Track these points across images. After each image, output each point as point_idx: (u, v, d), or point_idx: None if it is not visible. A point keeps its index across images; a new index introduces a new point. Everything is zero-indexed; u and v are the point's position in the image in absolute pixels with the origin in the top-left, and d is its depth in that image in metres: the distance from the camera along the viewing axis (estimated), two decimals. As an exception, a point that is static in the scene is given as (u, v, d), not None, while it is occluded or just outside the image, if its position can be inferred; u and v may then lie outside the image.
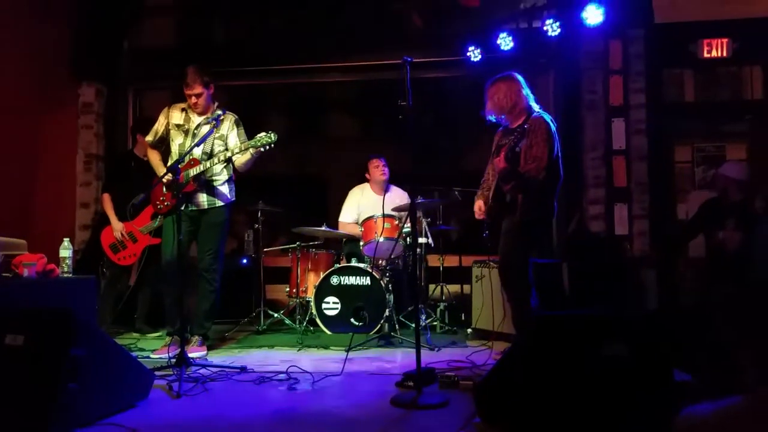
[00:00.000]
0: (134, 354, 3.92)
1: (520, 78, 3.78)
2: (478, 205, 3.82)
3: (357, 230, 5.20)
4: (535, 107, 3.74)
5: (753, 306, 3.38)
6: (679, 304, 4.45)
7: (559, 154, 3.67)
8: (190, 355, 3.66)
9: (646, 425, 2.18)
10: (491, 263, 4.52)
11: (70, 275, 3.77)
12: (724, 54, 5.61)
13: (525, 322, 3.52)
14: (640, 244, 5.40)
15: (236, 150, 3.89)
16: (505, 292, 3.78)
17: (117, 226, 4.80)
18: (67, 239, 3.83)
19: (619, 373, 2.26)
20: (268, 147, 3.80)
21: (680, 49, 5.68)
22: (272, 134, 3.78)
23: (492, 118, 3.80)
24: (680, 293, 4.48)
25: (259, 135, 3.81)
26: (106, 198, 4.93)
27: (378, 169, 5.43)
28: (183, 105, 4.06)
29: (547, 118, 3.67)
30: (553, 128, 3.65)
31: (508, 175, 3.49)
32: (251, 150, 3.83)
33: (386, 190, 5.42)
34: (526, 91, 3.76)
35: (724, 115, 6.03)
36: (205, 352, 3.99)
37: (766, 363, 2.76)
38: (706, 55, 5.64)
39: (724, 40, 5.58)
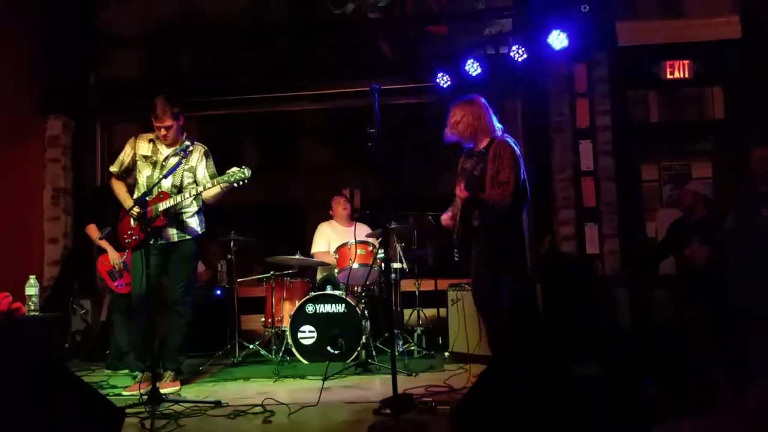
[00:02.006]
0: (105, 391, 3.83)
1: (482, 101, 3.80)
2: (448, 215, 3.82)
3: (331, 258, 5.18)
4: (498, 130, 3.76)
5: (723, 324, 3.44)
6: (651, 321, 4.50)
7: (525, 177, 3.71)
8: (163, 390, 3.58)
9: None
10: (466, 286, 4.53)
11: (38, 313, 3.68)
12: (686, 75, 5.78)
13: (499, 344, 3.52)
14: (611, 263, 5.47)
15: (208, 185, 3.83)
16: (480, 316, 3.79)
17: (114, 256, 4.63)
18: (33, 277, 3.76)
19: (593, 392, 2.27)
20: (241, 183, 3.76)
21: (644, 71, 5.85)
22: (246, 169, 3.74)
23: (453, 139, 3.82)
24: (652, 311, 4.52)
25: (231, 170, 3.76)
26: (93, 228, 4.80)
27: (340, 205, 5.62)
28: (150, 135, 4.02)
29: (511, 141, 3.71)
30: (518, 151, 3.69)
31: (471, 203, 3.52)
32: (222, 185, 3.79)
33: (354, 222, 5.46)
34: (489, 114, 3.77)
35: (688, 134, 6.20)
36: (178, 387, 3.90)
37: (735, 379, 2.80)
38: (669, 76, 5.80)
39: (686, 62, 5.76)
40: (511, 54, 5.37)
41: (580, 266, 5.40)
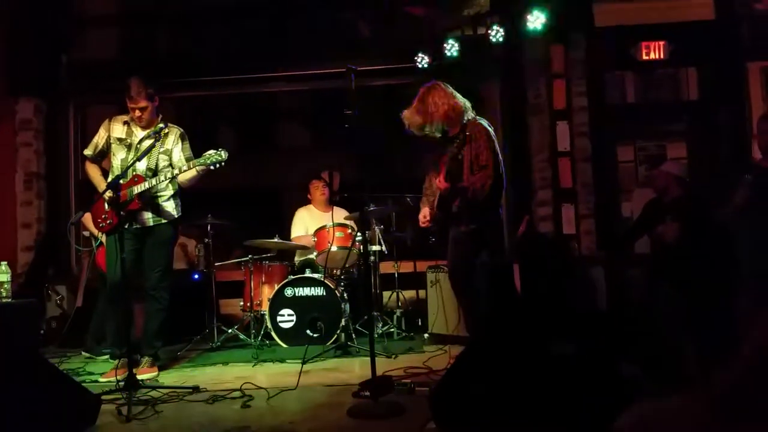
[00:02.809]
0: (82, 378, 3.80)
1: (446, 85, 3.75)
2: (423, 214, 3.80)
3: (310, 241, 5.17)
4: (470, 111, 3.73)
5: (693, 300, 3.50)
6: (626, 300, 4.57)
7: (500, 159, 3.71)
8: (141, 376, 3.56)
9: (595, 422, 2.23)
10: (444, 268, 4.55)
11: (10, 300, 3.62)
12: (662, 56, 5.81)
13: (476, 325, 3.56)
14: (588, 243, 5.53)
15: (183, 167, 3.77)
16: (456, 299, 3.81)
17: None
18: (5, 263, 3.69)
19: (568, 371, 2.30)
20: (217, 165, 3.71)
21: (620, 52, 5.86)
22: (222, 152, 3.67)
23: (415, 131, 3.72)
24: (627, 290, 4.60)
25: (208, 152, 3.69)
26: (88, 218, 4.72)
27: (318, 190, 5.58)
28: (125, 118, 3.95)
29: (485, 123, 3.70)
30: (492, 132, 3.68)
31: (452, 193, 3.51)
32: (198, 168, 3.73)
33: (331, 207, 5.44)
34: (457, 97, 3.71)
35: (663, 115, 6.25)
36: (156, 373, 3.87)
37: (706, 356, 2.86)
38: (644, 57, 5.83)
39: (661, 43, 5.79)
40: (489, 35, 5.36)
41: (556, 246, 5.45)
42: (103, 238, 4.49)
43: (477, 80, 6.08)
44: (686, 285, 3.66)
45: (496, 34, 5.33)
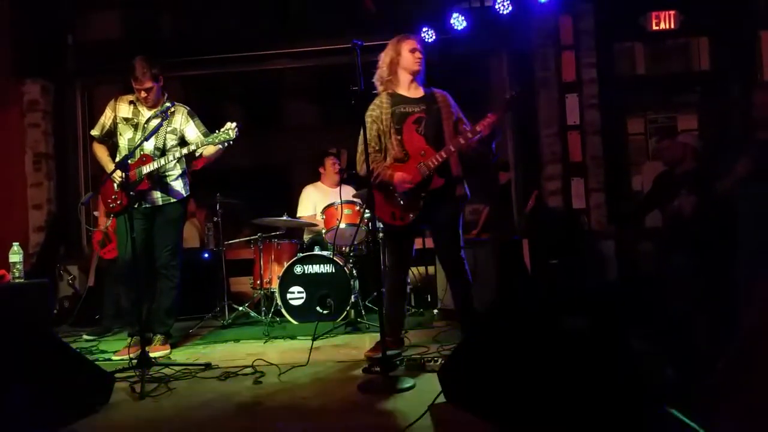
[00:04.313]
0: (95, 356, 3.85)
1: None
2: (402, 177, 3.28)
3: (317, 221, 5.18)
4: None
5: (707, 273, 3.47)
6: (638, 274, 4.55)
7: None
8: (153, 354, 3.60)
9: (606, 396, 2.23)
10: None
11: (22, 280, 3.66)
12: (672, 26, 5.70)
13: (468, 299, 3.46)
14: (598, 217, 5.50)
15: (200, 143, 3.77)
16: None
17: (102, 221, 4.80)
18: (17, 244, 3.72)
19: (580, 346, 2.29)
20: (228, 143, 3.70)
21: (630, 22, 5.76)
22: (231, 131, 3.65)
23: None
24: (639, 264, 4.57)
25: (227, 125, 3.67)
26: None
27: (335, 167, 5.57)
28: (131, 97, 3.93)
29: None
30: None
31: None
32: (218, 141, 3.70)
33: (339, 184, 5.43)
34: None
35: (674, 86, 6.16)
36: (168, 351, 3.92)
37: (718, 329, 2.84)
38: (654, 27, 5.72)
39: (672, 12, 5.68)
40: (497, 7, 5.27)
41: (566, 221, 5.43)
42: (109, 222, 4.57)
43: (484, 53, 5.99)
44: (702, 258, 3.62)
45: (504, 5, 5.24)
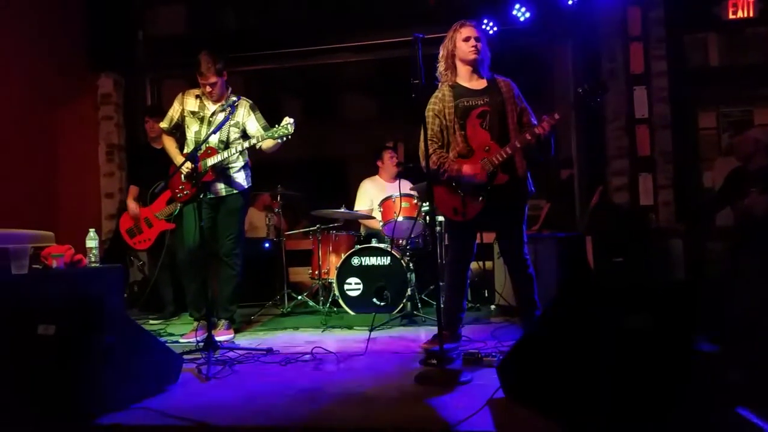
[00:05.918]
0: (163, 339, 4.01)
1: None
2: (474, 169, 3.25)
3: (375, 217, 5.22)
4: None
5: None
6: (706, 274, 4.37)
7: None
8: (218, 338, 3.72)
9: (670, 397, 2.16)
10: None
11: (98, 265, 3.84)
12: (751, 14, 5.43)
13: (531, 293, 3.42)
14: (666, 215, 5.31)
15: (260, 137, 3.86)
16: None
17: (131, 208, 4.91)
18: (93, 230, 3.91)
19: (644, 345, 2.23)
20: (286, 138, 3.78)
21: (703, 11, 5.52)
22: (289, 126, 3.73)
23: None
24: (707, 263, 4.39)
25: (285, 120, 3.76)
26: (131, 189, 5.02)
27: (393, 160, 5.58)
28: (197, 91, 4.06)
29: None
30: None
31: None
32: (277, 136, 3.78)
33: (397, 178, 5.44)
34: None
35: (751, 78, 5.84)
36: (232, 336, 4.05)
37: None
38: (731, 16, 5.46)
39: (751, 0, 5.40)
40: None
41: (633, 218, 5.26)
42: (134, 210, 4.72)
43: (548, 45, 5.87)
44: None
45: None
